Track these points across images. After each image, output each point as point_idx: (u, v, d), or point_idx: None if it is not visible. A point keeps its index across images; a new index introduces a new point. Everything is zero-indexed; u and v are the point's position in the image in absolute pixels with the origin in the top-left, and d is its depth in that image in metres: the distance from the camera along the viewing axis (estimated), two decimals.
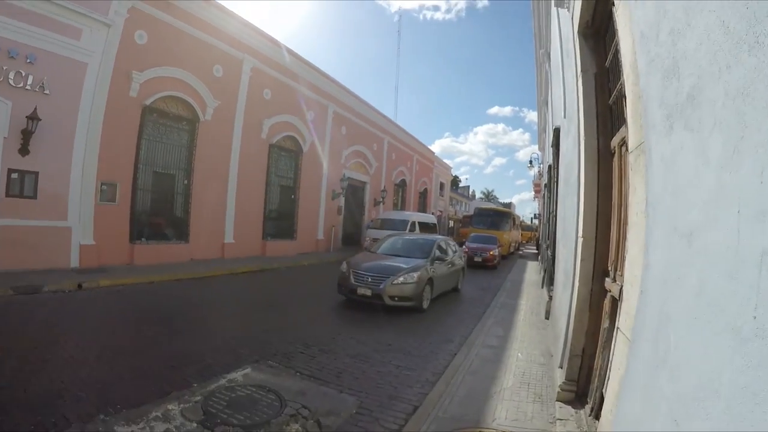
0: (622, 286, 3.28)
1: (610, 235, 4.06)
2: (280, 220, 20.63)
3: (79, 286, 9.85)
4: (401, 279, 9.57)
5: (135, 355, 5.94)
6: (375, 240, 21.21)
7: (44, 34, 10.86)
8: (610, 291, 3.82)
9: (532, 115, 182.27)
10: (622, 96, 3.46)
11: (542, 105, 19.33)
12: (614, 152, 4.06)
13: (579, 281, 4.29)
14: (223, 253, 16.70)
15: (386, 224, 23.02)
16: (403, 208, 34.87)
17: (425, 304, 10.08)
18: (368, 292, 9.52)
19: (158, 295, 10.20)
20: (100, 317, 8.10)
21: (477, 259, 20.95)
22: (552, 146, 9.59)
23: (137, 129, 13.40)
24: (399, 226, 22.41)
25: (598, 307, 4.21)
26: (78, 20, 11.47)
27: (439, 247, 11.72)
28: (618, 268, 3.60)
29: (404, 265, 10.11)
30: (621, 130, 3.67)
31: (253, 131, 18.17)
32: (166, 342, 6.65)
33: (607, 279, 3.99)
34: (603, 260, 4.19)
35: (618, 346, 2.80)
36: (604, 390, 3.37)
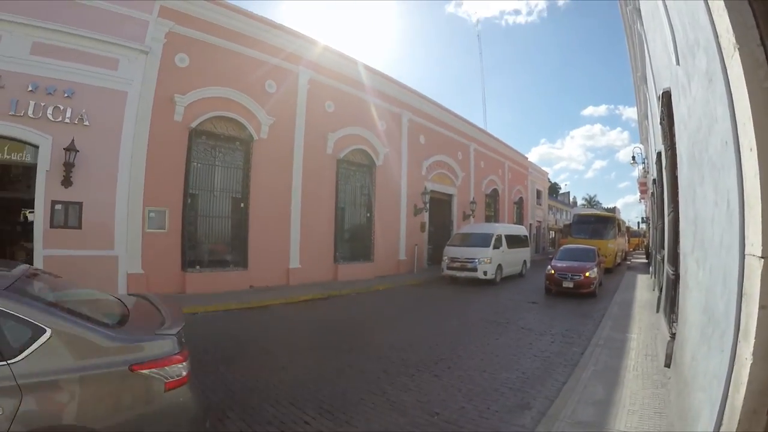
0: None
1: None
2: (355, 241, 18.95)
3: None
4: None
5: None
6: (454, 260, 18.78)
7: (80, 68, 10.89)
8: None
9: (629, 112, 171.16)
10: None
11: (640, 84, 16.05)
12: None
13: (753, 352, 2.00)
14: (288, 280, 15.33)
15: (466, 240, 19.77)
16: (497, 220, 31.83)
17: None
18: None
19: (191, 330, 8.86)
20: None
21: (567, 284, 15.41)
22: (661, 121, 6.94)
23: (185, 153, 12.94)
24: (480, 241, 19.02)
25: None
26: (113, 51, 11.40)
27: None
28: None
29: None
30: None
31: (317, 147, 16.80)
32: None
33: None
34: None
35: None
36: None
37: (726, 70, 2.34)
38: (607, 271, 22.92)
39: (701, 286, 3.57)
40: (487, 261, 18.07)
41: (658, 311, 9.81)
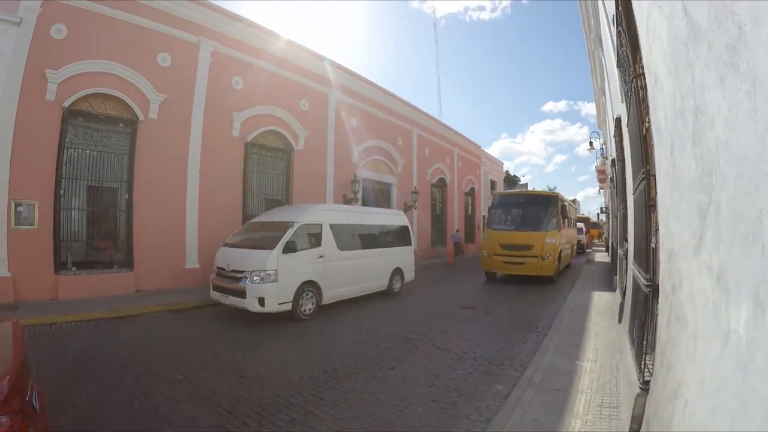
0: None
1: None
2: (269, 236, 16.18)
3: None
4: None
5: None
6: (221, 272, 10.18)
7: None
8: None
9: (589, 107, 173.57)
10: None
11: (594, 50, 14.44)
12: None
13: None
14: (185, 282, 12.90)
15: (254, 235, 11.26)
16: (445, 211, 29.79)
17: None
18: None
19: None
20: None
21: None
22: (620, 54, 4.64)
23: (57, 137, 10.95)
24: (265, 240, 10.35)
25: None
26: None
27: None
28: None
29: None
30: None
31: (221, 128, 14.31)
32: None
33: None
34: None
35: None
36: None
37: None
38: (548, 282, 15.79)
39: (735, 340, 1.29)
40: (264, 277, 9.28)
41: (620, 322, 7.52)
